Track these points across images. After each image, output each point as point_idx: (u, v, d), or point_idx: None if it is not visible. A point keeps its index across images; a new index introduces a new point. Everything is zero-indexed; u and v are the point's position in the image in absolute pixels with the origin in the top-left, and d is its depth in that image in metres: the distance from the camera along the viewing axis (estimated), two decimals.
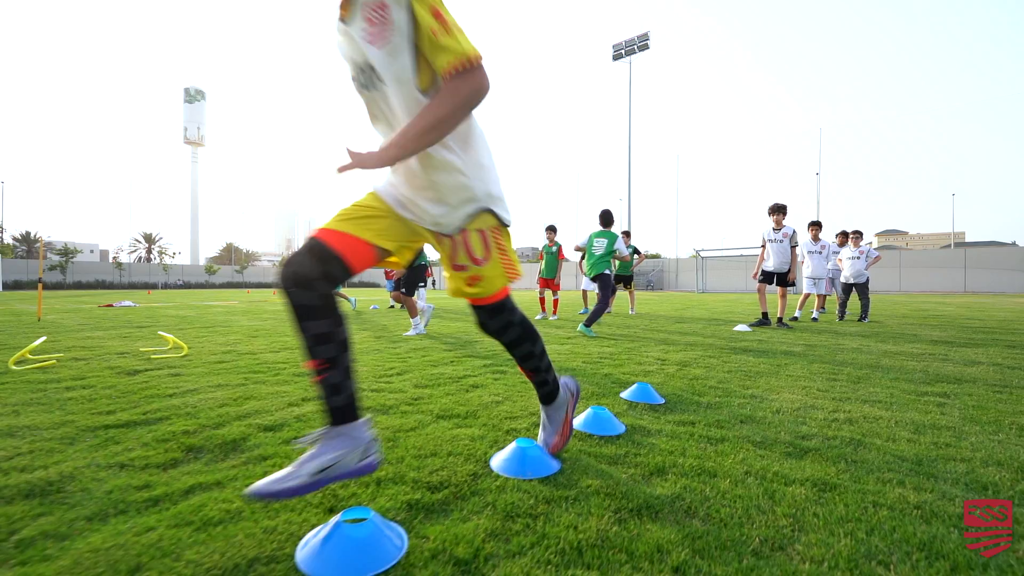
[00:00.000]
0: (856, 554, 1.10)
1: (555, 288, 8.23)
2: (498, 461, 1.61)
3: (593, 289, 9.52)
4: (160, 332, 4.94)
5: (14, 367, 3.40)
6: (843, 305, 8.05)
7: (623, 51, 30.36)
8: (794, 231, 6.68)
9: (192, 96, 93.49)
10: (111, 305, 11.80)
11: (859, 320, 7.51)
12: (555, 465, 1.60)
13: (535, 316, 7.92)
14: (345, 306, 10.59)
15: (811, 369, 3.46)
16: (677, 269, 33.47)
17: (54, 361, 3.68)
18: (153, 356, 3.96)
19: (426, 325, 6.06)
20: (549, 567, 1.05)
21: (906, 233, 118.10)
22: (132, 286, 44.39)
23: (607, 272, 5.84)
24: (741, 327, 6.34)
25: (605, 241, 5.92)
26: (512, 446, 1.65)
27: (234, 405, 2.41)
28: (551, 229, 8.26)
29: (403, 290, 6.00)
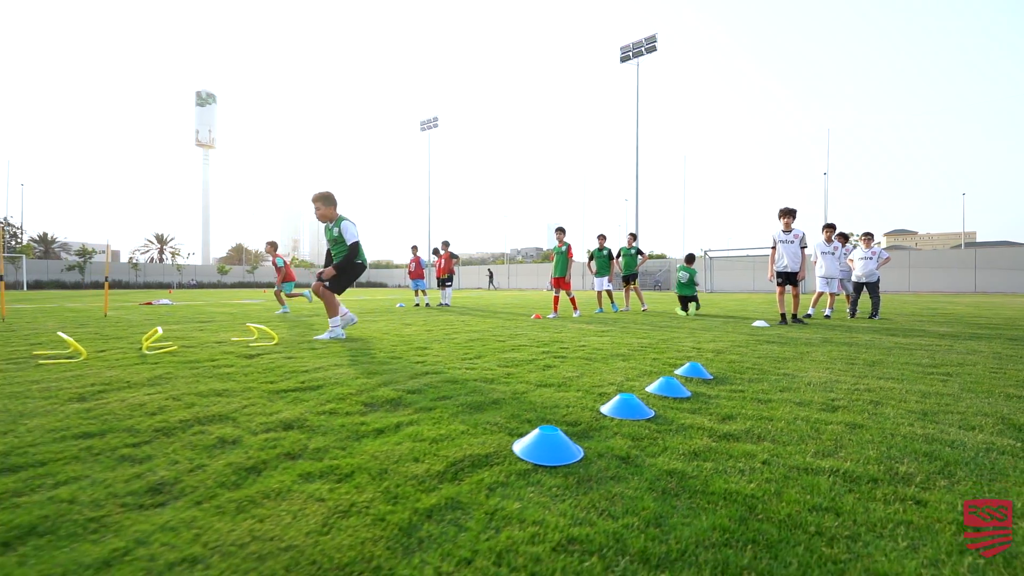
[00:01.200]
0: (881, 457, 1.65)
1: (566, 287, 8.40)
2: (608, 407, 2.17)
3: (602, 288, 10.15)
4: (248, 324, 5.55)
5: (147, 352, 3.99)
6: (854, 303, 8.53)
7: (631, 53, 30.76)
8: (804, 234, 7.16)
9: (203, 99, 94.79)
10: (150, 303, 12.46)
11: (869, 317, 8.00)
12: (651, 412, 2.15)
13: (547, 315, 8.31)
14: (301, 300, 11.10)
15: (831, 355, 3.98)
16: None
17: (175, 347, 4.27)
18: (251, 343, 4.55)
19: (344, 327, 5.34)
20: (680, 460, 1.60)
21: (915, 233, 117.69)
22: (147, 286, 45.30)
23: (688, 295, 9.18)
24: (760, 323, 6.86)
25: (688, 274, 9.25)
26: (617, 397, 2.20)
27: (365, 377, 2.98)
28: (560, 230, 8.56)
29: (326, 283, 5.09)
